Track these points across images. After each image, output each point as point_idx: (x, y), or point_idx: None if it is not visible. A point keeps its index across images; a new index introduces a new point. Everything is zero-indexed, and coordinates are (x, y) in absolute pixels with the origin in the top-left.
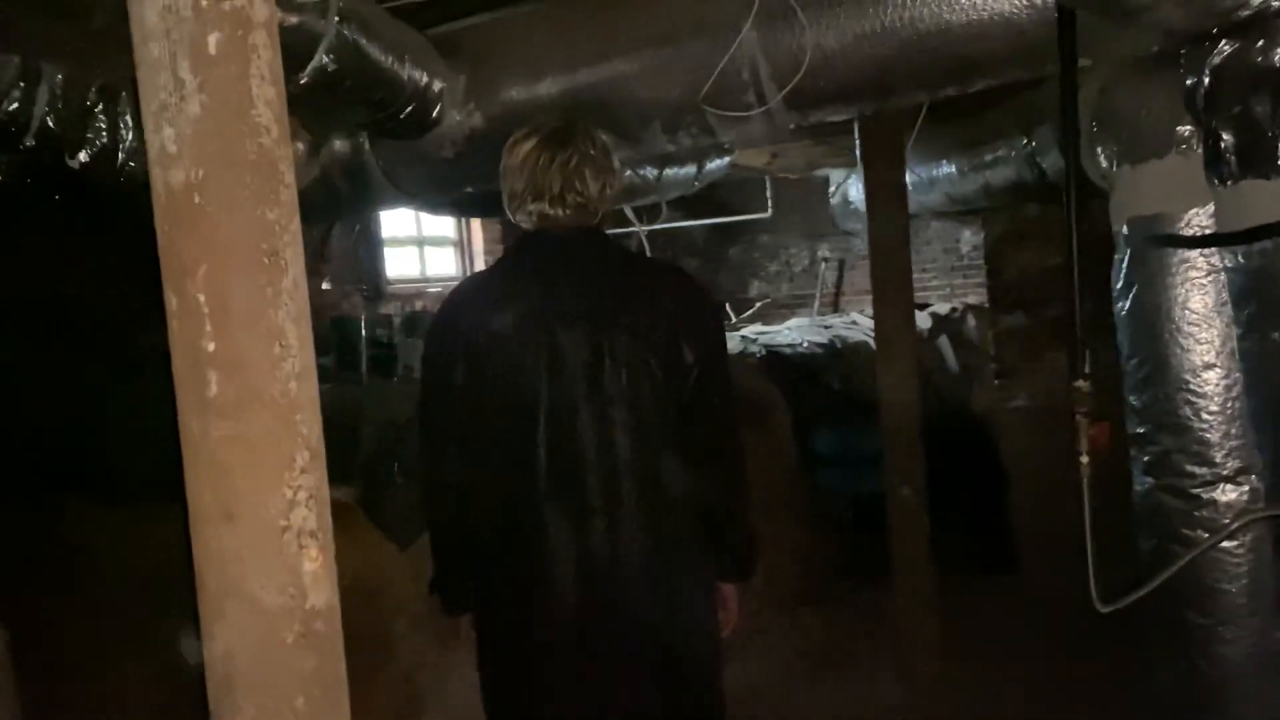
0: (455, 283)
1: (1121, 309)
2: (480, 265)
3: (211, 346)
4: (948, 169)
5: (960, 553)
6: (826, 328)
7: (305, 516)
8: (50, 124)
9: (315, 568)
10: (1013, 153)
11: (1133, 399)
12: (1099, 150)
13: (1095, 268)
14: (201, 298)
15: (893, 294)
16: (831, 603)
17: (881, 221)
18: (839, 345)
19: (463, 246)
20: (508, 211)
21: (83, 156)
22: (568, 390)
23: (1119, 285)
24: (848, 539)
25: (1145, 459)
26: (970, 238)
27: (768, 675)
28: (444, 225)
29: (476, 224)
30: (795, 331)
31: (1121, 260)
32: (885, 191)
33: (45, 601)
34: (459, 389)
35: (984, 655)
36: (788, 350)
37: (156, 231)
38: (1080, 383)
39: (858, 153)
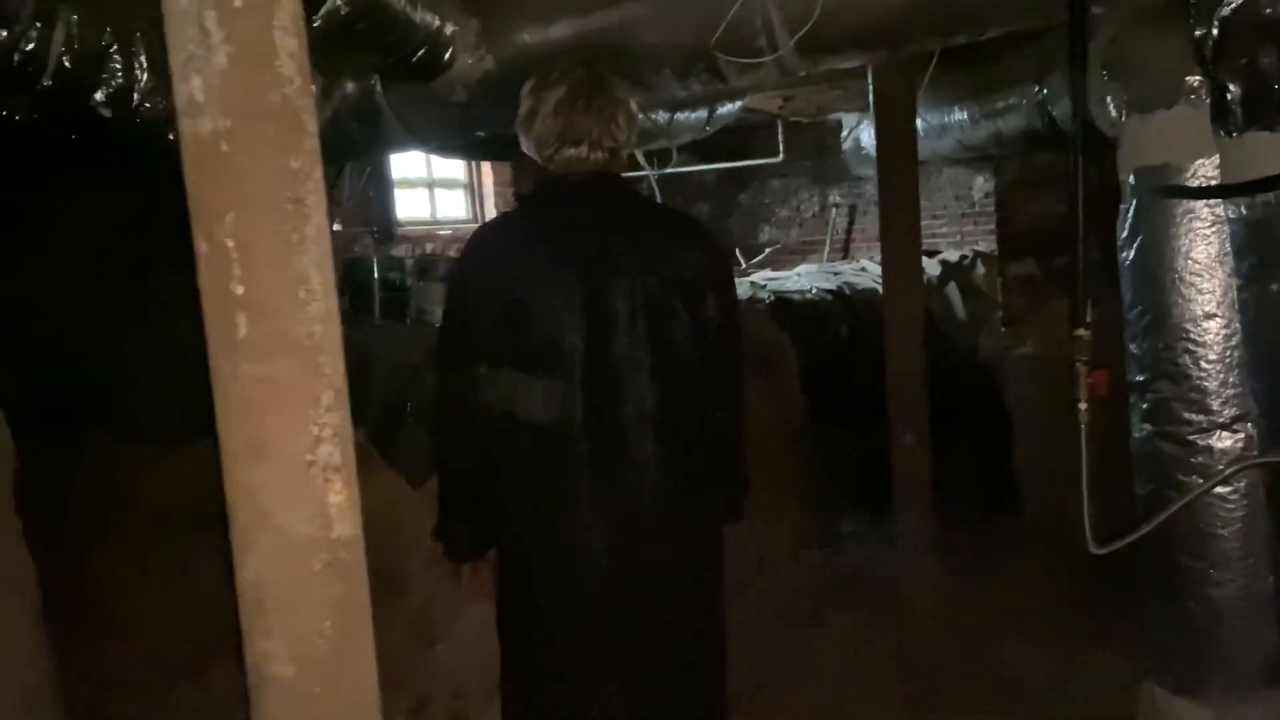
0: (470, 225)
1: (1126, 258)
2: (490, 207)
3: (240, 290)
4: (959, 115)
5: (963, 497)
6: (835, 274)
7: (330, 452)
8: (67, 64)
9: (340, 500)
10: (1024, 100)
11: (1133, 347)
12: (1108, 99)
13: (1104, 217)
14: (230, 243)
15: (901, 240)
16: (835, 544)
17: (891, 168)
18: (848, 292)
19: (473, 189)
20: (535, 155)
21: (99, 97)
22: (600, 336)
23: (1124, 234)
24: (852, 483)
25: (1144, 406)
26: (982, 184)
27: (771, 615)
28: (454, 168)
29: (487, 166)
30: (804, 278)
31: (1127, 210)
32: (896, 138)
33: (72, 536)
34: (488, 332)
35: (984, 597)
36: (796, 297)
37: (185, 179)
38: (1081, 331)
39: (870, 98)
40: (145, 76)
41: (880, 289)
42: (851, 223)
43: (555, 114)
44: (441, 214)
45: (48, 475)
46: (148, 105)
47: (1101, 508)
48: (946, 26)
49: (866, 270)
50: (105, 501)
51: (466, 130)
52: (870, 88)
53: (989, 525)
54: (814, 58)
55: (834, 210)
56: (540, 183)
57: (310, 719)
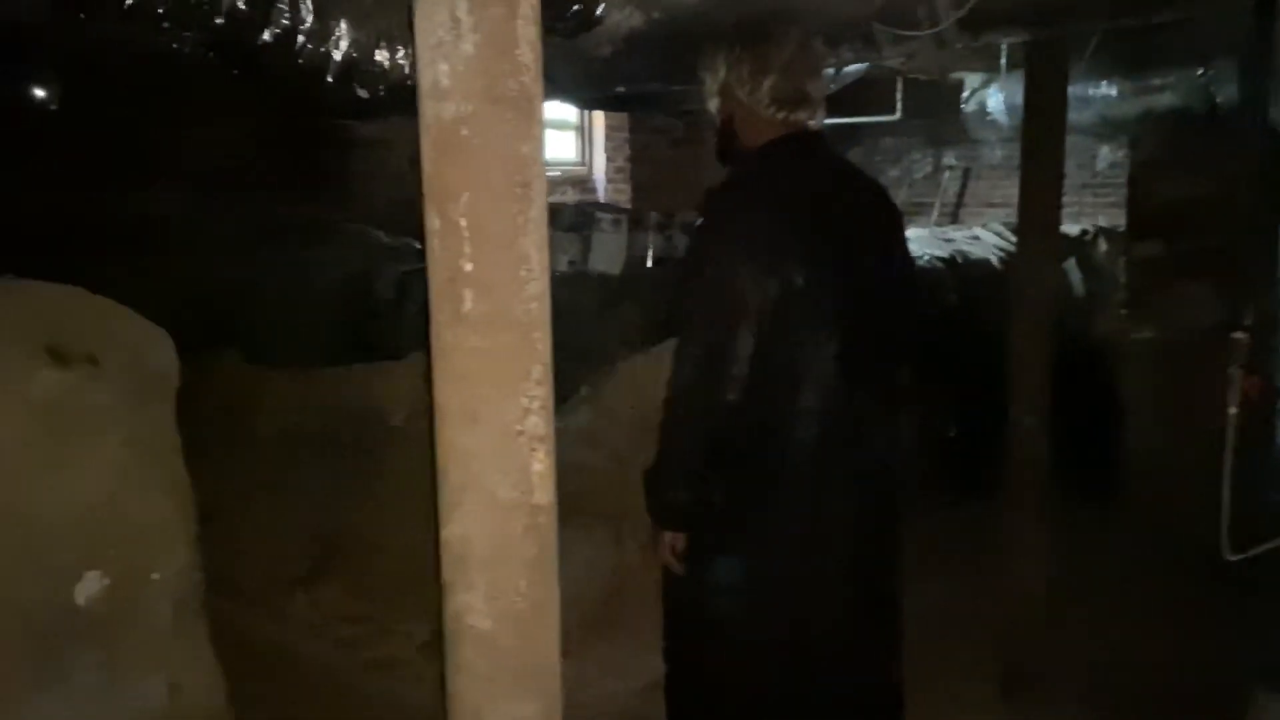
0: (579, 167)
1: None
2: (599, 151)
3: (469, 267)
4: (1107, 90)
5: (1069, 480)
6: (948, 241)
7: (536, 423)
8: (240, 4)
9: (542, 469)
10: (1184, 81)
11: None
12: None
13: (1263, 211)
14: (463, 222)
15: (1039, 219)
16: (927, 518)
17: (1037, 144)
18: (960, 261)
19: (584, 132)
20: (756, 112)
21: (266, 36)
22: (852, 306)
23: None
24: (952, 458)
25: None
26: (1107, 155)
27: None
28: (565, 109)
29: (599, 111)
30: (916, 243)
31: None
32: (1046, 111)
33: (202, 450)
34: (749, 298)
35: (1085, 584)
36: None
37: (422, 158)
38: (1239, 334)
39: (1002, 59)
40: (310, 20)
41: (993, 260)
42: (964, 187)
43: (785, 74)
44: (551, 155)
45: (185, 391)
46: (309, 47)
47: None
48: (1117, 7)
49: (980, 239)
50: (233, 418)
51: (608, 84)
52: (1004, 50)
53: (1093, 510)
54: (974, 32)
55: (947, 173)
56: (775, 142)
57: (503, 670)
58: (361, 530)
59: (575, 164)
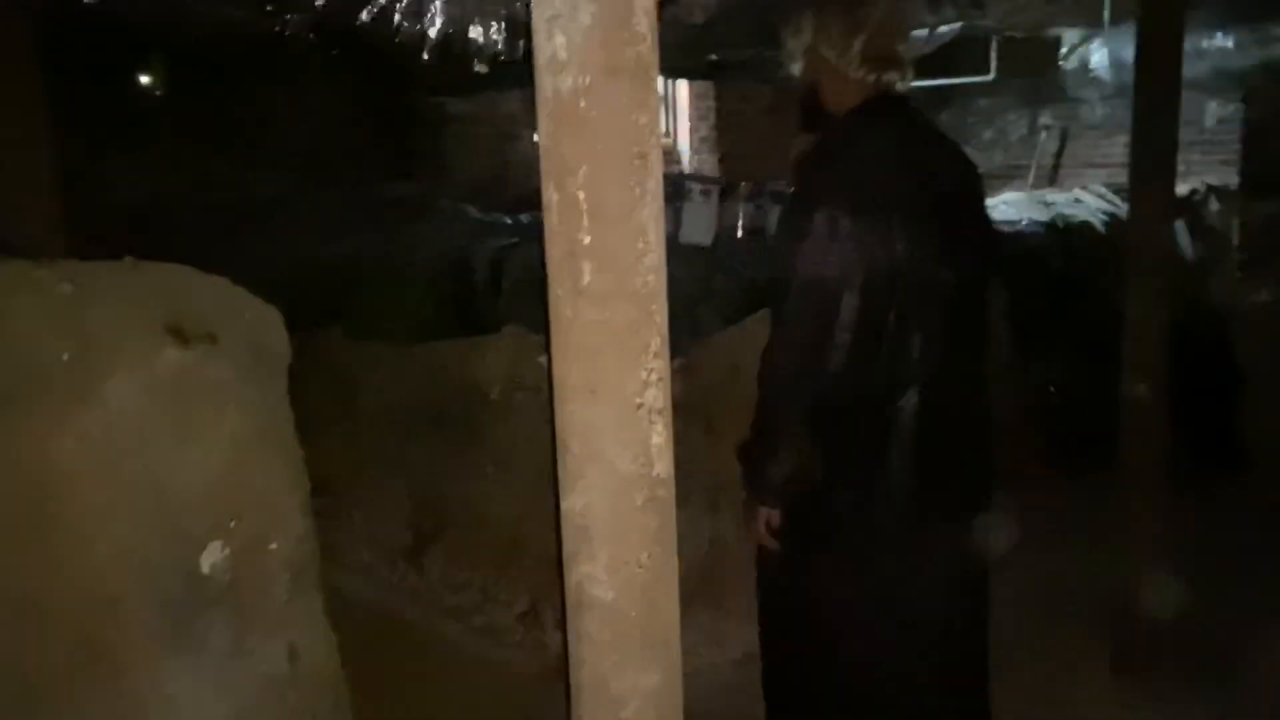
0: (663, 140)
1: None
2: (684, 120)
3: (587, 240)
4: (1223, 41)
5: (1186, 451)
6: (1047, 205)
7: (655, 395)
8: None
9: (660, 441)
10: None
11: None
12: None
13: None
14: (581, 195)
15: (1153, 179)
16: (1033, 489)
17: (1151, 104)
18: (1061, 225)
19: (668, 102)
20: (852, 70)
21: (364, 16)
22: (942, 268)
23: None
24: (1055, 429)
25: None
26: (1216, 110)
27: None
28: None
29: (682, 81)
30: (1013, 207)
31: None
32: (1160, 69)
33: (309, 423)
34: (847, 263)
35: (1203, 561)
36: (1006, 228)
37: (540, 132)
38: None
39: (1105, 12)
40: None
41: (1097, 224)
42: (1062, 148)
43: (876, 34)
44: None
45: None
46: (405, 25)
47: None
48: None
49: (1082, 202)
50: (338, 394)
51: (700, 52)
52: (1108, 3)
53: (1210, 482)
54: None
55: (1043, 133)
56: (861, 106)
57: (627, 639)
58: (463, 502)
59: (662, 134)
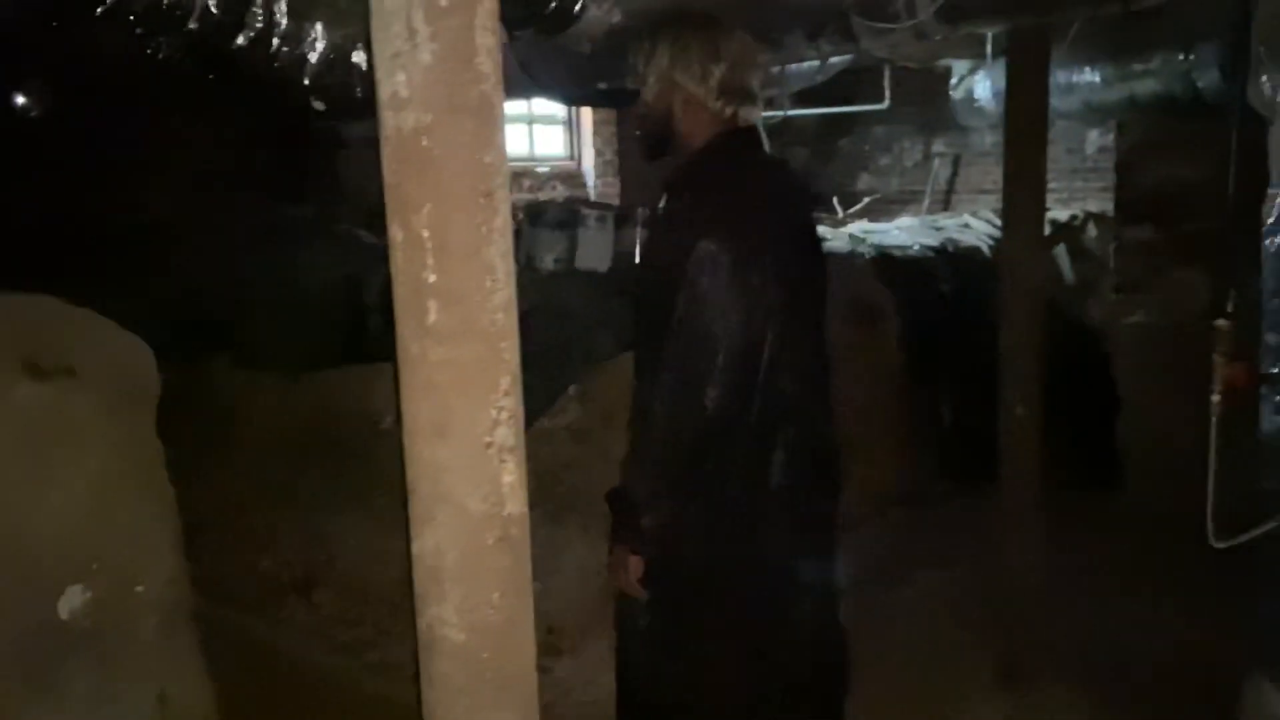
0: (568, 162)
1: (1272, 244)
2: (588, 146)
3: (432, 278)
4: (1090, 77)
5: (1063, 467)
6: (938, 229)
7: (506, 434)
8: (212, 8)
9: (512, 480)
10: (1167, 67)
11: (1271, 337)
12: (1264, 78)
13: (1245, 197)
14: (425, 233)
15: (1024, 207)
16: (924, 505)
17: (1020, 132)
18: (951, 249)
19: (572, 127)
20: (711, 100)
21: (240, 41)
22: (808, 304)
23: (1271, 219)
24: (948, 445)
25: (1278, 399)
26: (1096, 140)
27: (857, 572)
28: (554, 105)
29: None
30: (906, 232)
31: (1278, 195)
32: (1027, 99)
33: (194, 456)
34: (748, 305)
35: (1081, 569)
36: (898, 252)
37: (384, 169)
38: (1221, 321)
39: (988, 46)
40: (285, 22)
41: (984, 248)
42: (954, 174)
43: (735, 69)
44: (539, 151)
45: (174, 398)
46: (285, 50)
47: (1221, 498)
48: None
49: (970, 227)
50: (225, 425)
51: (589, 80)
52: (990, 38)
53: (1088, 496)
54: (953, 23)
55: (936, 160)
56: (730, 136)
57: (479, 681)
58: (355, 534)
59: (564, 159)
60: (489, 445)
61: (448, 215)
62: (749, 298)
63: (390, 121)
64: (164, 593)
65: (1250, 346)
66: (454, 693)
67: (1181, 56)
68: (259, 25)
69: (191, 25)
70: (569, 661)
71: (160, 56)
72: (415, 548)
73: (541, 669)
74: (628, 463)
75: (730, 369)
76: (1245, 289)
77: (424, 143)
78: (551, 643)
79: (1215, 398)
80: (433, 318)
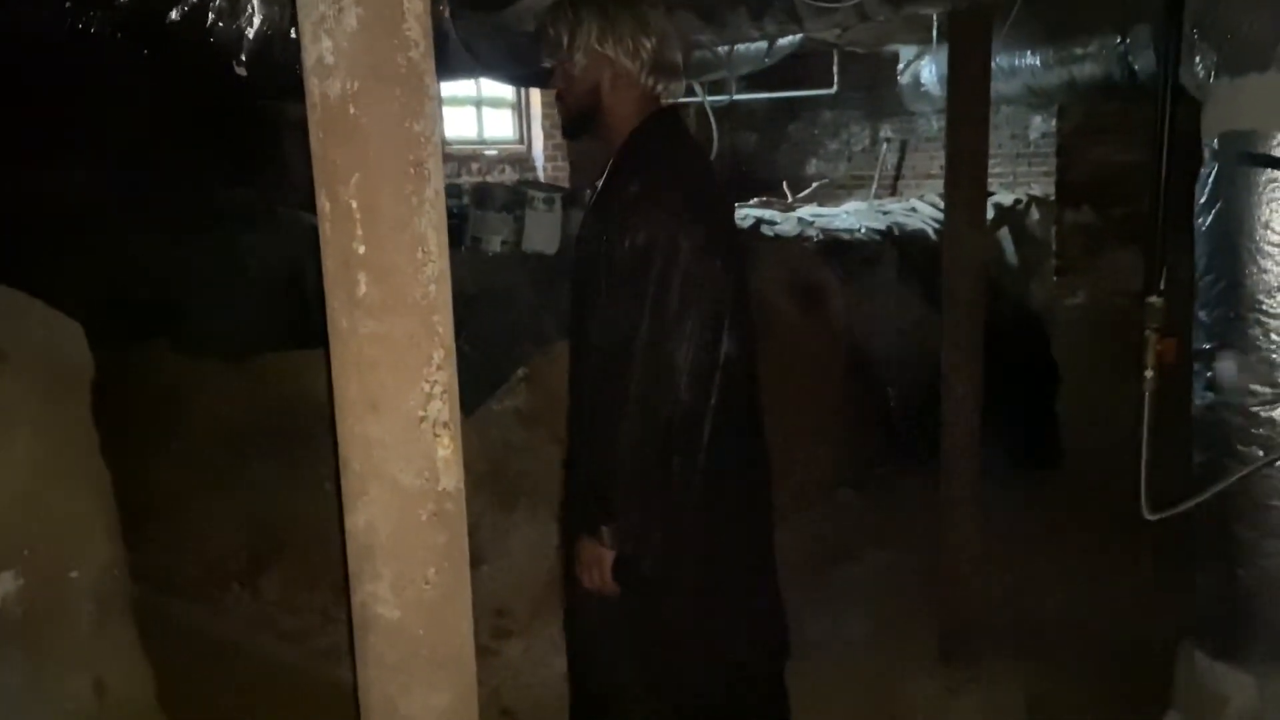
0: (517, 146)
1: (1203, 224)
2: (537, 129)
3: (362, 250)
4: (1031, 60)
5: (1005, 445)
6: (885, 214)
7: (440, 409)
8: None
9: (447, 454)
10: (1104, 49)
11: (1202, 314)
12: (1197, 59)
13: (1179, 177)
14: (353, 204)
15: (966, 190)
16: (871, 485)
17: (962, 114)
18: (897, 233)
19: (520, 109)
20: (643, 76)
21: (174, 15)
22: (743, 293)
23: (1203, 199)
24: (893, 427)
25: (1209, 375)
26: (1040, 125)
27: (805, 551)
28: (502, 87)
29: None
30: (853, 216)
31: (1209, 175)
32: (969, 83)
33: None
34: (715, 287)
35: (1022, 546)
36: (845, 236)
37: (311, 138)
38: (1153, 298)
39: (934, 31)
40: None
41: (930, 231)
42: (902, 159)
43: (663, 44)
44: (489, 134)
45: (112, 384)
46: (220, 24)
47: (1154, 472)
48: None
49: (917, 211)
50: (166, 411)
51: (533, 60)
52: (945, 27)
53: (1029, 474)
54: (895, 4)
55: (884, 145)
56: (665, 115)
57: (413, 658)
58: (301, 520)
59: (513, 142)
60: (422, 420)
61: (377, 185)
62: (715, 280)
63: (316, 89)
64: (100, 579)
65: (1182, 324)
66: (389, 671)
67: (1118, 39)
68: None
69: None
70: (518, 643)
71: (92, 31)
72: (348, 524)
73: (491, 651)
74: (596, 454)
75: (703, 352)
76: (1177, 268)
77: (351, 110)
78: (501, 625)
79: (1148, 373)
80: (363, 290)
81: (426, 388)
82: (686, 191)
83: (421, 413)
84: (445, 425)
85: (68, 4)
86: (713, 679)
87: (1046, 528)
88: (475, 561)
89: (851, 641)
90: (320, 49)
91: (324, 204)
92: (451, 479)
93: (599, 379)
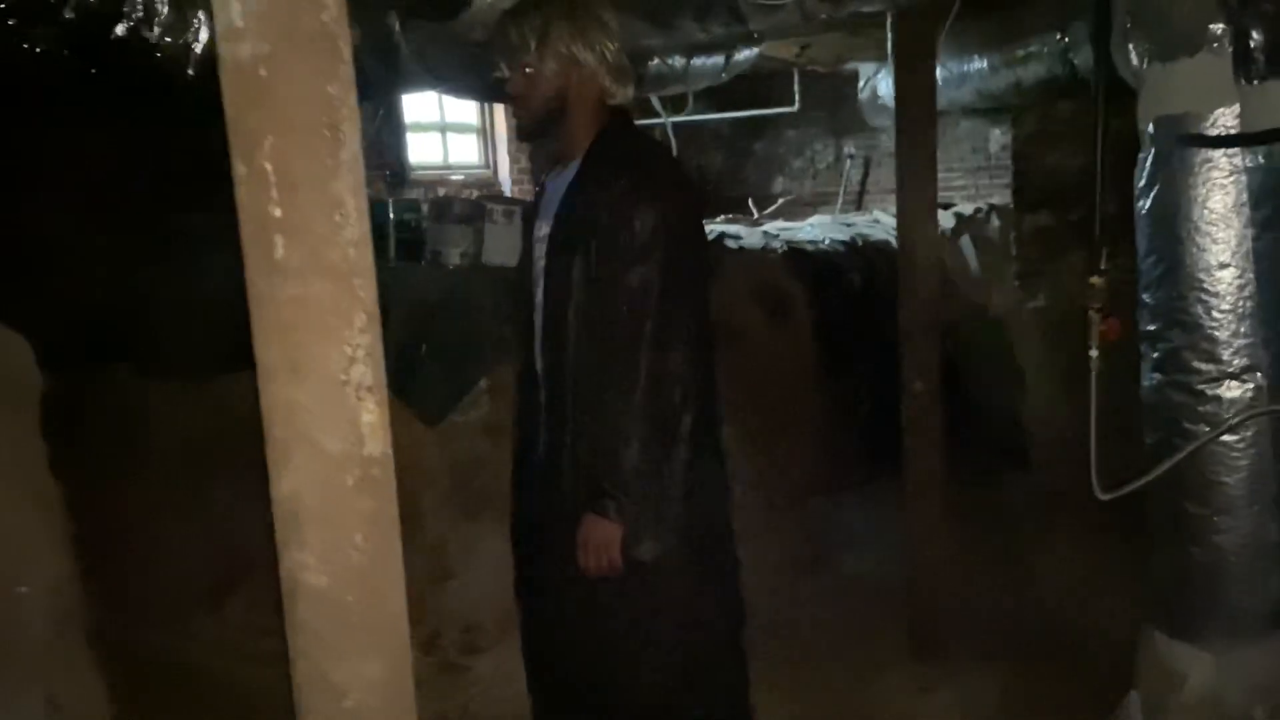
0: (482, 170)
1: (1142, 207)
2: (503, 153)
3: (278, 212)
4: (979, 64)
5: (972, 450)
6: (848, 225)
7: (363, 373)
8: None
9: (372, 419)
10: (1045, 48)
11: (1146, 296)
12: (1131, 47)
13: (1124, 168)
14: (268, 166)
15: (916, 191)
16: (843, 493)
17: (909, 118)
18: (860, 243)
19: (485, 133)
20: (606, 79)
21: (120, 30)
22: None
23: (1141, 183)
24: (863, 434)
25: (1154, 355)
26: (999, 137)
27: (779, 560)
28: (467, 112)
29: (500, 111)
30: (817, 229)
31: (1145, 158)
32: (915, 87)
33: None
34: (702, 279)
35: (991, 546)
36: (809, 247)
37: (224, 103)
38: (1095, 278)
39: (889, 47)
40: (165, 10)
41: (893, 241)
42: (866, 175)
43: (620, 52)
44: (454, 159)
45: (75, 407)
46: (168, 39)
47: (1110, 455)
48: None
49: (879, 222)
50: (129, 433)
51: (484, 71)
52: (890, 36)
53: (997, 477)
54: (835, 2)
55: (848, 161)
56: (625, 115)
57: (343, 627)
58: (266, 542)
59: (479, 167)
60: (345, 383)
61: (291, 148)
62: (702, 271)
63: (227, 52)
64: (50, 594)
65: (1129, 308)
66: (318, 640)
67: (1058, 36)
68: (139, 14)
69: (68, 15)
70: (488, 659)
71: (36, 50)
72: (273, 492)
73: (461, 667)
74: (604, 435)
75: (699, 342)
76: (1118, 251)
77: (262, 73)
78: (470, 641)
79: (1092, 353)
80: (280, 253)
81: (349, 350)
82: (676, 182)
83: (344, 376)
84: (369, 390)
85: (10, 21)
86: (689, 650)
87: (1014, 525)
88: (443, 576)
89: (824, 649)
90: (230, 13)
91: (239, 168)
92: (377, 444)
93: (603, 364)
